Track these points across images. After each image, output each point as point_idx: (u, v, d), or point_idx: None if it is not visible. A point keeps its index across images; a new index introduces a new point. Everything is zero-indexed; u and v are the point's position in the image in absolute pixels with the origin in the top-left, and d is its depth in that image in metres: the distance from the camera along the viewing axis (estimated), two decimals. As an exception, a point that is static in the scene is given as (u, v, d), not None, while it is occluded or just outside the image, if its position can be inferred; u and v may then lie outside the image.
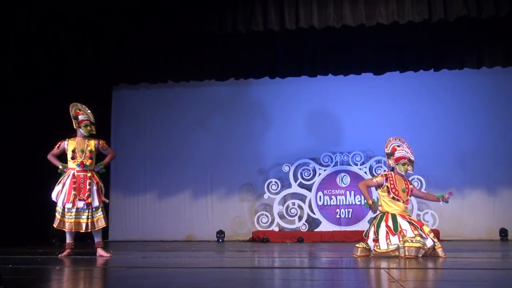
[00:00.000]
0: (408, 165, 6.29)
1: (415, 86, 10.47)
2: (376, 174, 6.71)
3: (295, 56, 10.00)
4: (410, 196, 6.32)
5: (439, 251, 5.96)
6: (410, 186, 6.35)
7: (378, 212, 6.37)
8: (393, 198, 6.18)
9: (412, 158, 6.37)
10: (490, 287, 3.90)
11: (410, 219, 6.14)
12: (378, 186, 6.31)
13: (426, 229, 6.11)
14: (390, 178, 6.25)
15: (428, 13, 8.13)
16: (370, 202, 6.30)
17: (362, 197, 9.59)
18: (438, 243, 6.06)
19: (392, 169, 6.37)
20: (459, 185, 10.23)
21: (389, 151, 6.40)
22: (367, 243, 6.15)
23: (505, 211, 10.05)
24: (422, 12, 8.14)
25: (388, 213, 6.15)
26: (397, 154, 6.33)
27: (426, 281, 4.28)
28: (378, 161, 10.26)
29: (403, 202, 6.19)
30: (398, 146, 6.38)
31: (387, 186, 6.21)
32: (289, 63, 10.05)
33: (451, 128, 10.39)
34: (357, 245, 6.27)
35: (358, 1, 8.27)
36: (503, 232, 9.80)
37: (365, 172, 10.25)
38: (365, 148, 10.49)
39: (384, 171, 6.51)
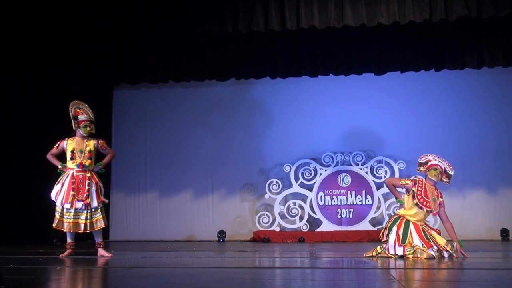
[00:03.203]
0: (440, 173, 6.10)
1: (416, 86, 10.47)
2: (404, 177, 6.44)
3: (296, 56, 10.00)
4: (437, 210, 6.06)
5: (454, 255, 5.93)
6: (440, 200, 6.11)
7: (395, 213, 6.32)
8: (416, 204, 6.02)
9: (450, 172, 6.18)
10: (492, 287, 3.90)
11: (425, 230, 5.96)
12: (406, 189, 6.15)
13: (442, 241, 5.95)
14: (419, 184, 6.08)
15: (428, 13, 8.13)
16: (400, 197, 6.20)
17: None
18: (454, 251, 5.94)
19: (425, 177, 6.17)
20: (460, 185, 10.22)
21: (423, 161, 6.26)
22: (381, 245, 6.09)
23: (506, 211, 10.05)
24: (423, 12, 8.14)
25: (403, 218, 6.04)
26: (430, 163, 6.19)
27: (427, 281, 4.27)
28: (379, 161, 10.26)
29: (426, 212, 6.00)
30: (434, 159, 6.22)
31: (413, 191, 6.06)
32: (290, 63, 10.05)
33: (452, 128, 10.39)
34: (376, 250, 6.12)
35: (359, 1, 8.27)
36: (504, 232, 9.80)
37: (366, 172, 10.25)
38: (366, 148, 10.49)
39: (416, 176, 6.23)
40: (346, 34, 9.22)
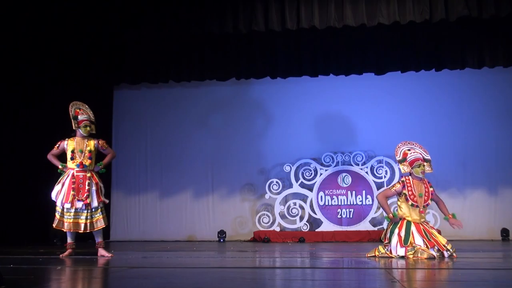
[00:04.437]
0: (424, 166, 6.10)
1: (416, 86, 10.46)
2: (394, 183, 6.47)
3: (296, 56, 9.99)
4: (431, 199, 6.11)
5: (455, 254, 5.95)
6: (431, 189, 6.14)
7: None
8: (411, 205, 6.04)
9: (427, 157, 6.18)
10: (492, 287, 3.90)
11: (426, 230, 5.98)
12: (398, 194, 6.16)
13: (443, 240, 5.98)
14: (408, 184, 6.09)
15: (429, 13, 8.12)
16: (391, 215, 6.10)
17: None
18: (454, 251, 5.97)
19: (410, 174, 6.18)
20: (460, 185, 10.24)
21: (400, 157, 6.23)
22: (384, 246, 6.09)
23: (506, 211, 10.04)
24: (423, 12, 8.13)
25: (404, 220, 6.04)
26: (410, 157, 6.15)
27: (427, 281, 4.27)
28: (379, 161, 10.26)
29: (421, 208, 6.03)
30: (409, 150, 6.21)
31: (404, 194, 6.07)
32: (290, 63, 10.04)
33: (452, 128, 10.38)
34: (378, 250, 6.13)
35: (359, 1, 8.27)
36: (504, 232, 9.79)
37: (366, 172, 10.25)
38: (366, 148, 10.48)
39: (402, 177, 6.26)
40: (346, 34, 9.22)
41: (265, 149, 10.84)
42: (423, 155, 6.20)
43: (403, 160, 6.22)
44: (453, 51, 9.59)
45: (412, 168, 6.15)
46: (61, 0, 8.61)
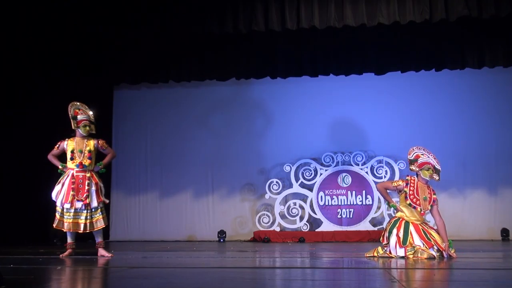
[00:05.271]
0: (432, 171, 6.10)
1: (416, 86, 10.46)
2: (397, 178, 6.43)
3: (296, 56, 10.00)
4: (430, 205, 6.09)
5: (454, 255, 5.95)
6: (434, 196, 6.12)
7: (394, 215, 6.32)
8: (409, 204, 6.04)
9: (438, 167, 6.18)
10: (492, 287, 3.90)
11: (425, 230, 5.97)
12: (398, 190, 6.19)
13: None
14: (411, 184, 6.11)
15: (429, 13, 8.12)
16: (392, 202, 6.18)
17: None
18: (454, 251, 5.98)
19: (416, 175, 6.20)
20: (460, 185, 10.23)
21: (412, 157, 6.25)
22: (383, 247, 6.09)
23: (506, 211, 10.04)
24: (423, 12, 8.13)
25: (402, 219, 6.05)
26: (421, 160, 6.17)
27: (427, 281, 4.27)
28: (379, 161, 10.25)
29: (420, 211, 6.01)
30: (422, 154, 6.23)
31: (405, 192, 6.09)
32: (290, 63, 10.05)
33: (452, 128, 10.38)
34: (377, 250, 6.13)
35: (359, 1, 8.27)
36: (504, 232, 9.79)
37: (366, 172, 10.25)
38: (366, 148, 10.48)
39: (407, 175, 6.30)
40: (346, 34, 9.22)
41: (265, 149, 10.84)
42: (434, 163, 6.21)
43: (415, 160, 6.23)
44: (453, 51, 9.60)
45: (420, 170, 6.15)
46: (61, 0, 8.61)
